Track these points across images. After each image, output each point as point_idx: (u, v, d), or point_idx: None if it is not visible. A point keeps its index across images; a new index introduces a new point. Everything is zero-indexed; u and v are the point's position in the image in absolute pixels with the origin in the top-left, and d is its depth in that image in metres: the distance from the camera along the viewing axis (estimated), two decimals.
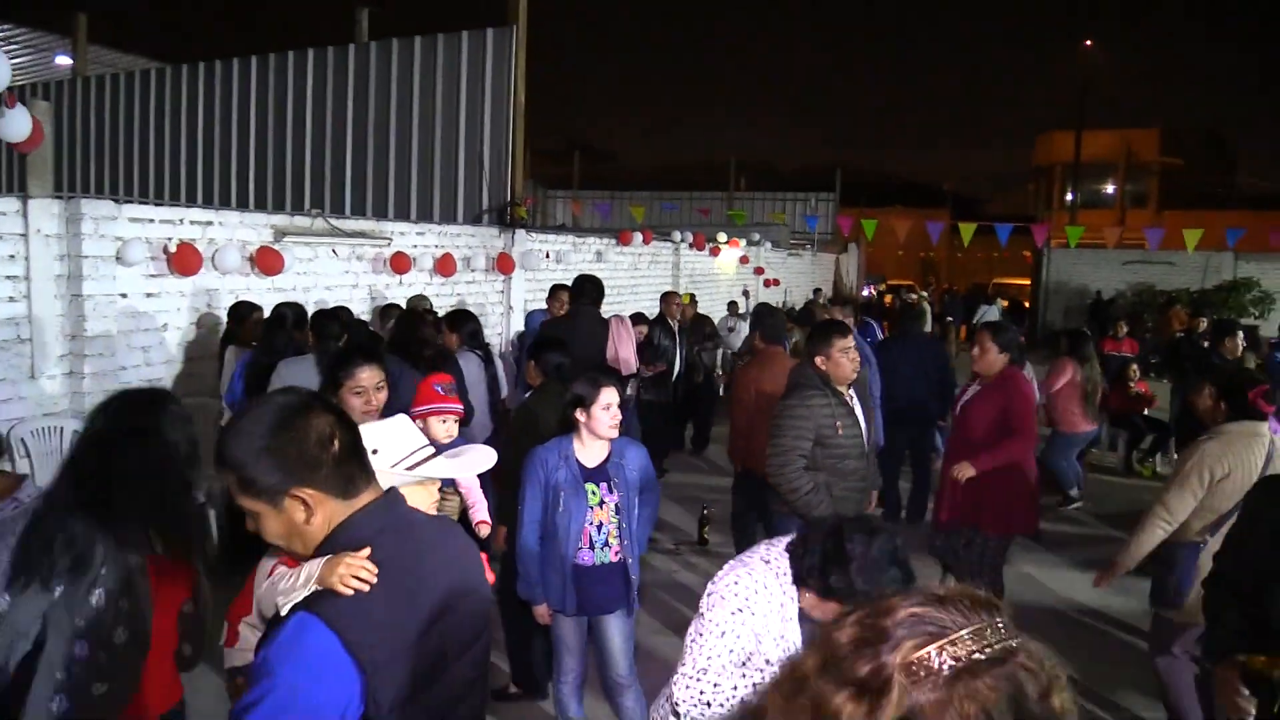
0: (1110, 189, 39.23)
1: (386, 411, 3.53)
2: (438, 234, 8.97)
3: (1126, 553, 4.07)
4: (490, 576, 2.42)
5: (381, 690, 1.58)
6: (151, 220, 6.20)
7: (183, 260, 6.21)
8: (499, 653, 4.58)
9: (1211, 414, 4.28)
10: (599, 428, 3.64)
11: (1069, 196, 33.31)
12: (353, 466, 1.70)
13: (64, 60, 15.92)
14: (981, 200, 53.36)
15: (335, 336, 5.25)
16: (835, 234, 25.49)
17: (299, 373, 4.61)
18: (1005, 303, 24.26)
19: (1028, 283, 26.08)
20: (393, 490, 1.82)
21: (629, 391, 7.81)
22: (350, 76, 11.53)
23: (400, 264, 8.08)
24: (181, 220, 6.42)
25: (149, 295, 6.15)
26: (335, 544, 1.68)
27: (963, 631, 0.95)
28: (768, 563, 2.51)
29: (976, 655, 0.93)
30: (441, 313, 6.91)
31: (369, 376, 3.60)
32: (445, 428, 3.85)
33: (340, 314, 6.03)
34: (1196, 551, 3.86)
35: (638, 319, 8.43)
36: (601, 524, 3.71)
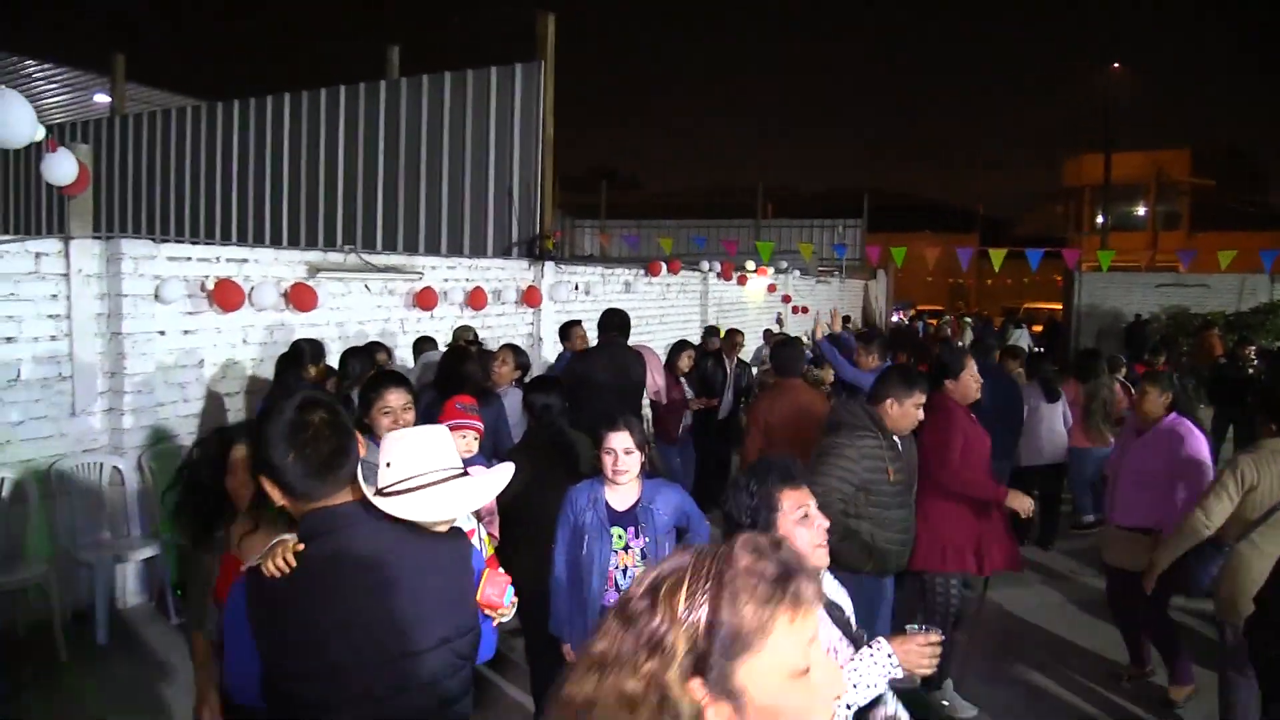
0: (1141, 211, 38.92)
1: None
2: (468, 267, 9.05)
3: (1163, 551, 4.35)
4: (500, 603, 2.45)
5: (274, 660, 1.95)
6: (189, 258, 6.30)
7: (224, 296, 6.31)
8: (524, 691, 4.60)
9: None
10: (605, 471, 3.62)
11: (1099, 219, 33.04)
12: (314, 479, 1.95)
13: (102, 98, 16.27)
14: (1010, 222, 53.07)
15: (359, 375, 5.35)
16: (863, 260, 25.40)
17: None
18: (1039, 327, 24.03)
19: (1058, 307, 25.83)
20: (362, 501, 2.03)
21: (686, 422, 7.75)
22: (381, 112, 11.71)
23: (426, 299, 8.15)
24: (218, 258, 6.52)
25: (186, 332, 6.25)
26: (300, 530, 1.99)
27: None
28: None
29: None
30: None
31: (396, 398, 3.71)
32: (464, 444, 3.91)
33: (372, 350, 6.10)
34: (1221, 552, 4.19)
35: (684, 345, 8.24)
36: (627, 568, 3.66)
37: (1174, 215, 38.27)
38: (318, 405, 1.98)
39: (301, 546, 1.94)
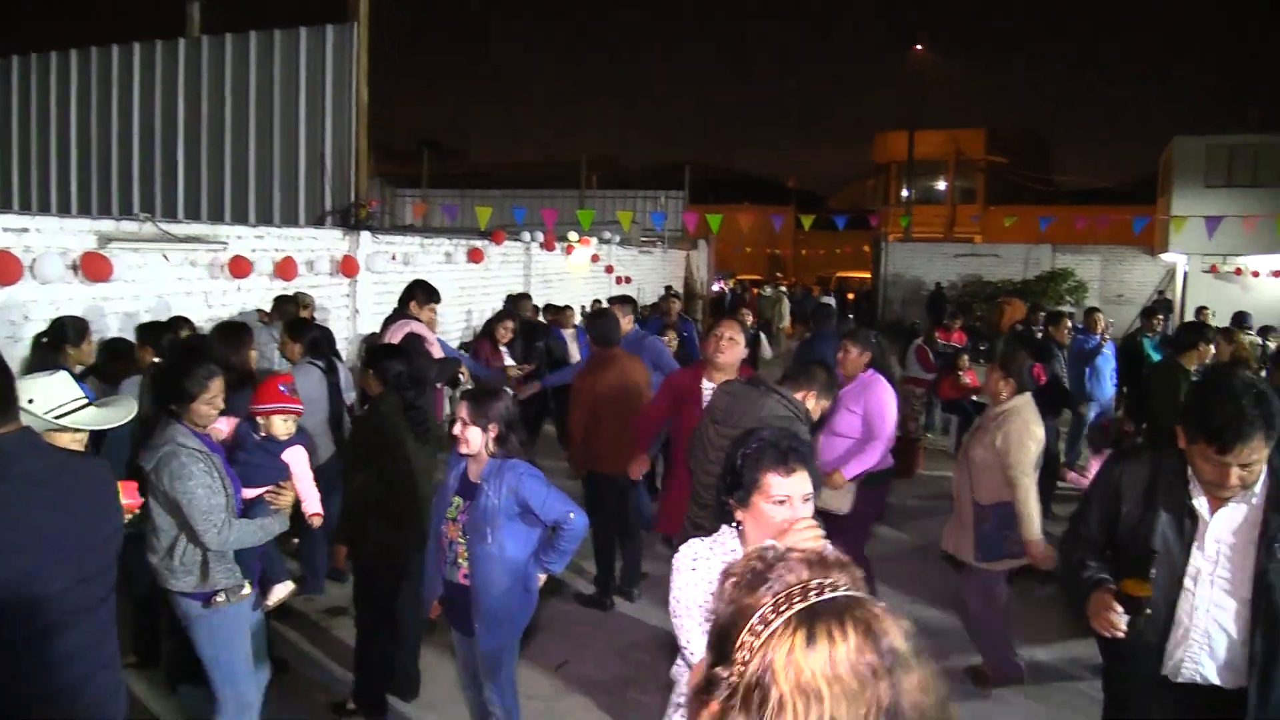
0: (941, 185, 41.34)
1: None
2: (278, 237, 8.70)
3: (1030, 526, 4.51)
4: (134, 503, 3.07)
5: None
6: None
7: None
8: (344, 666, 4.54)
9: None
10: None
11: (904, 193, 34.95)
12: None
13: None
14: (825, 197, 55.25)
15: (168, 348, 5.08)
16: (684, 231, 25.93)
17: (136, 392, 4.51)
18: (851, 295, 25.31)
19: (868, 275, 27.27)
20: (25, 429, 2.38)
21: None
22: (181, 72, 11.03)
23: (240, 268, 7.79)
24: None
25: None
26: None
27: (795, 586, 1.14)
28: (712, 547, 2.51)
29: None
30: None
31: (218, 385, 3.62)
32: (286, 426, 3.89)
33: (177, 325, 5.76)
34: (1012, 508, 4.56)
35: (503, 315, 8.36)
36: (452, 541, 3.62)
37: (970, 191, 40.87)
38: None
39: None
